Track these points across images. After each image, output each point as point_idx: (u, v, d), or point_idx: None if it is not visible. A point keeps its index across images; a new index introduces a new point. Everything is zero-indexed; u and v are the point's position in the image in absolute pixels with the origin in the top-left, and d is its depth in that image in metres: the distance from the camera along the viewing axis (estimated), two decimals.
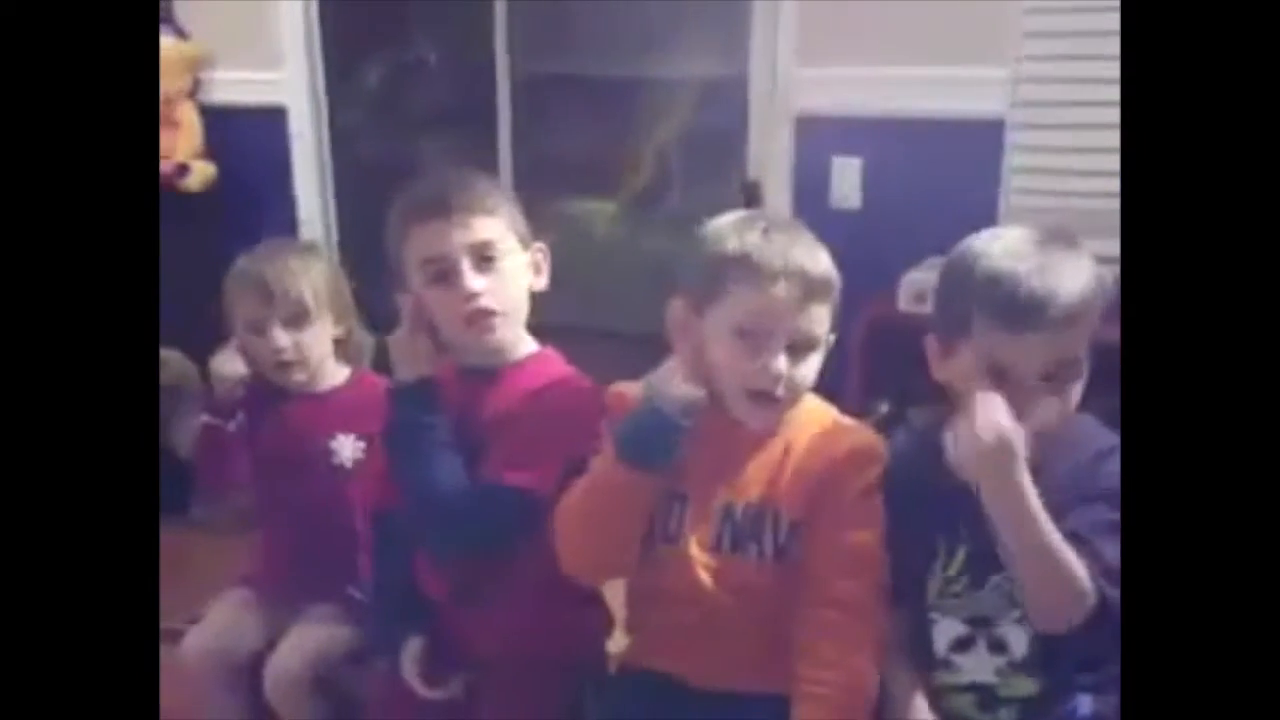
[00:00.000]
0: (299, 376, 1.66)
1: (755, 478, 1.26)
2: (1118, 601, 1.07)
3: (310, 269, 1.66)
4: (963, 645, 1.22)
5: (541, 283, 1.42)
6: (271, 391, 1.69)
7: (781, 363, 1.20)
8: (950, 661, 1.23)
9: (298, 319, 1.63)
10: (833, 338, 1.26)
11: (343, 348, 1.71)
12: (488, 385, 1.40)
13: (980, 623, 1.21)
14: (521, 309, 1.40)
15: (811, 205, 2.41)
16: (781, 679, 1.22)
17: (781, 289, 1.19)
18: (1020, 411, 1.12)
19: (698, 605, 1.27)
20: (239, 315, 1.65)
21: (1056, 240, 1.16)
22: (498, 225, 1.36)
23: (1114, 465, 1.10)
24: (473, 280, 1.33)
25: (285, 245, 1.74)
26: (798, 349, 1.21)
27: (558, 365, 1.43)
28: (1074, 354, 1.13)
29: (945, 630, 1.23)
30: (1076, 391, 1.16)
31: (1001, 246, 1.16)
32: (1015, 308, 1.11)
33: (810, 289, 1.20)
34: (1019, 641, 1.20)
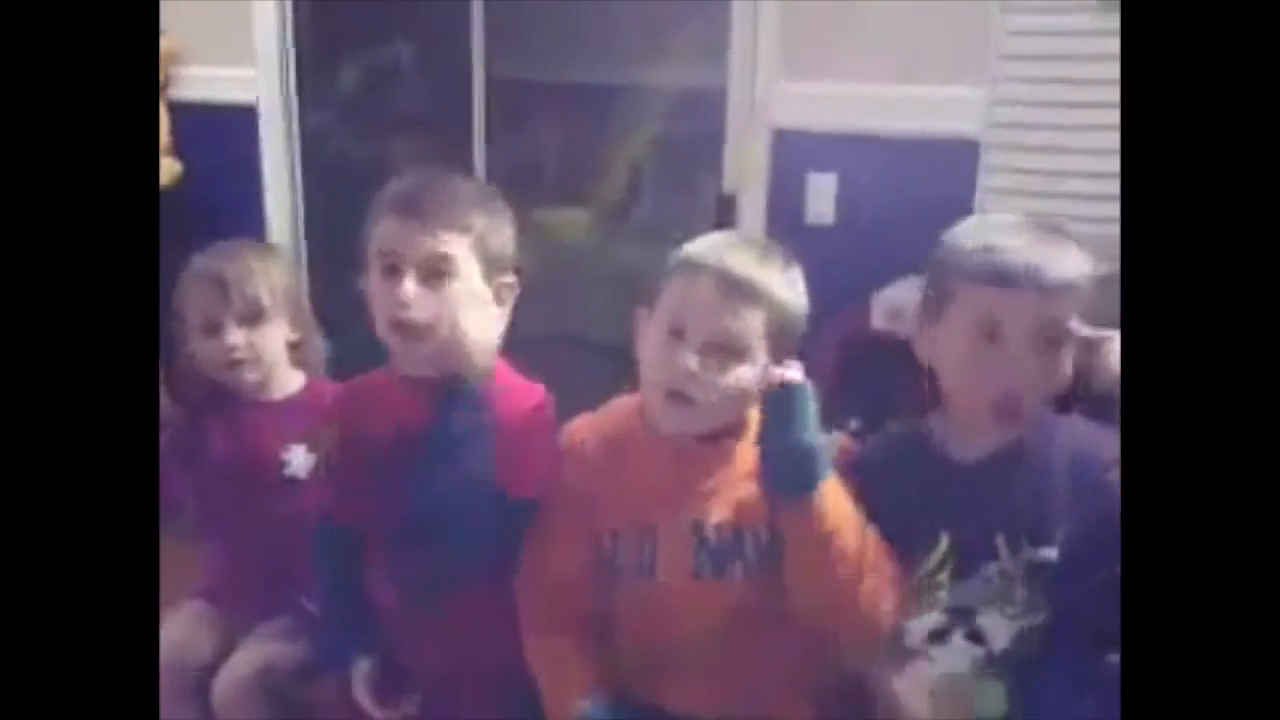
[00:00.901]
0: (251, 376, 1.64)
1: (724, 497, 1.25)
2: None
3: (269, 269, 1.65)
4: (938, 637, 1.21)
5: (498, 313, 1.36)
6: (224, 399, 1.66)
7: (692, 360, 1.19)
8: (924, 653, 1.21)
9: (253, 317, 1.61)
10: (797, 369, 1.19)
11: (297, 353, 1.68)
12: (431, 401, 1.35)
13: (960, 613, 1.20)
14: (466, 336, 1.32)
15: (786, 220, 2.41)
16: (773, 704, 1.23)
17: (703, 285, 1.20)
18: (1009, 374, 1.15)
19: (681, 633, 1.26)
20: (192, 314, 1.62)
21: (1048, 229, 1.21)
22: (462, 244, 1.32)
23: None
24: (408, 288, 1.30)
25: (243, 245, 1.71)
26: (721, 352, 1.20)
27: (506, 376, 1.39)
28: (1062, 321, 1.15)
29: (922, 623, 1.21)
30: (1065, 364, 1.17)
31: (996, 223, 1.23)
32: (1009, 267, 1.14)
33: (732, 288, 1.19)
34: (1000, 633, 1.19)
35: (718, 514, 1.25)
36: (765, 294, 1.21)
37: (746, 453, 1.24)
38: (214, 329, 1.61)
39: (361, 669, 1.41)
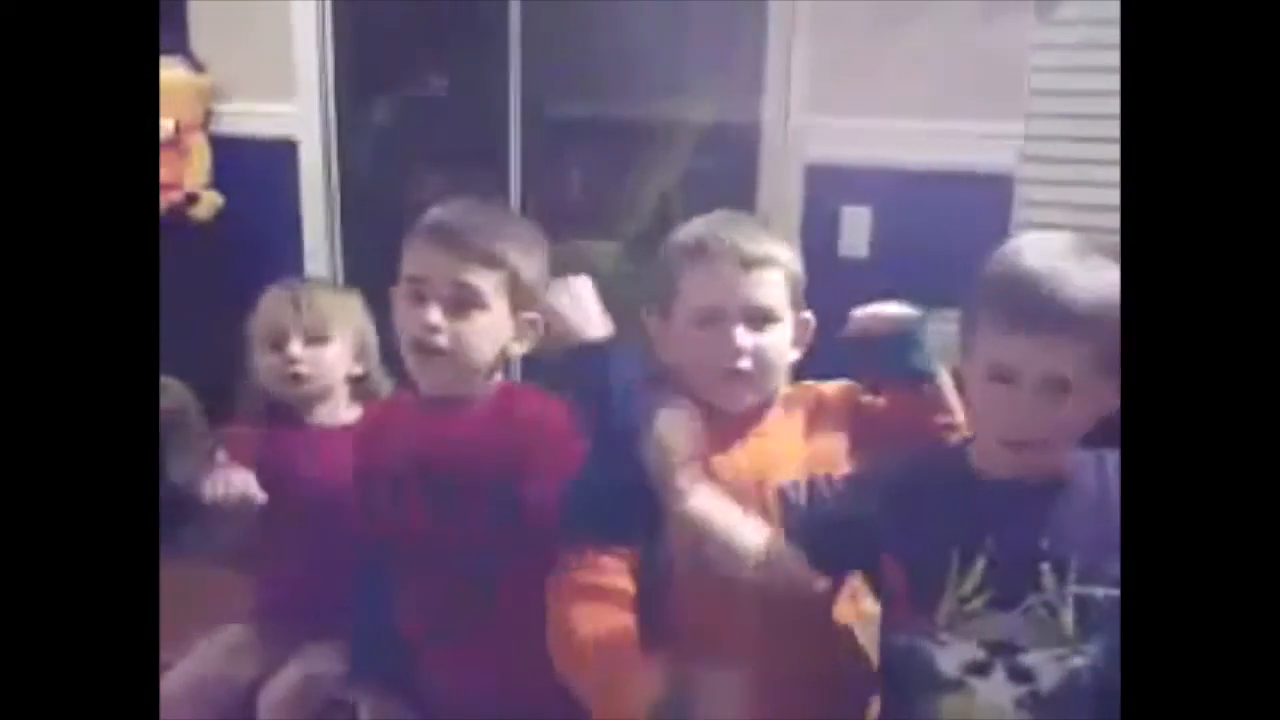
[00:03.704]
0: (307, 390, 1.69)
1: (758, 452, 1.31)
2: None
3: (339, 302, 1.74)
4: (977, 669, 1.15)
5: (520, 349, 1.40)
6: (280, 428, 1.71)
7: (741, 336, 1.26)
8: (964, 682, 1.15)
9: (317, 336, 1.68)
10: (808, 316, 1.33)
11: (360, 388, 1.74)
12: (447, 419, 1.38)
13: (1000, 649, 1.14)
14: (482, 361, 1.37)
15: (819, 253, 2.41)
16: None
17: (722, 264, 1.26)
18: (1022, 419, 1.10)
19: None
20: (262, 329, 1.70)
21: (1089, 248, 1.11)
22: (492, 278, 1.34)
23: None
24: (435, 314, 1.32)
25: (318, 280, 1.94)
26: (754, 320, 1.26)
27: (524, 395, 1.41)
28: (1071, 366, 1.07)
29: (956, 653, 1.15)
30: (1079, 411, 1.10)
31: (1026, 247, 1.13)
32: (1020, 306, 1.08)
33: (747, 259, 1.26)
34: (1050, 675, 1.12)
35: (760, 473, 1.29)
36: (777, 259, 1.29)
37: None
38: (280, 342, 1.68)
39: (365, 709, 1.45)
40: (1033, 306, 1.07)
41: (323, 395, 1.72)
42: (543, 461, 1.28)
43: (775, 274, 1.28)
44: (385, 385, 1.76)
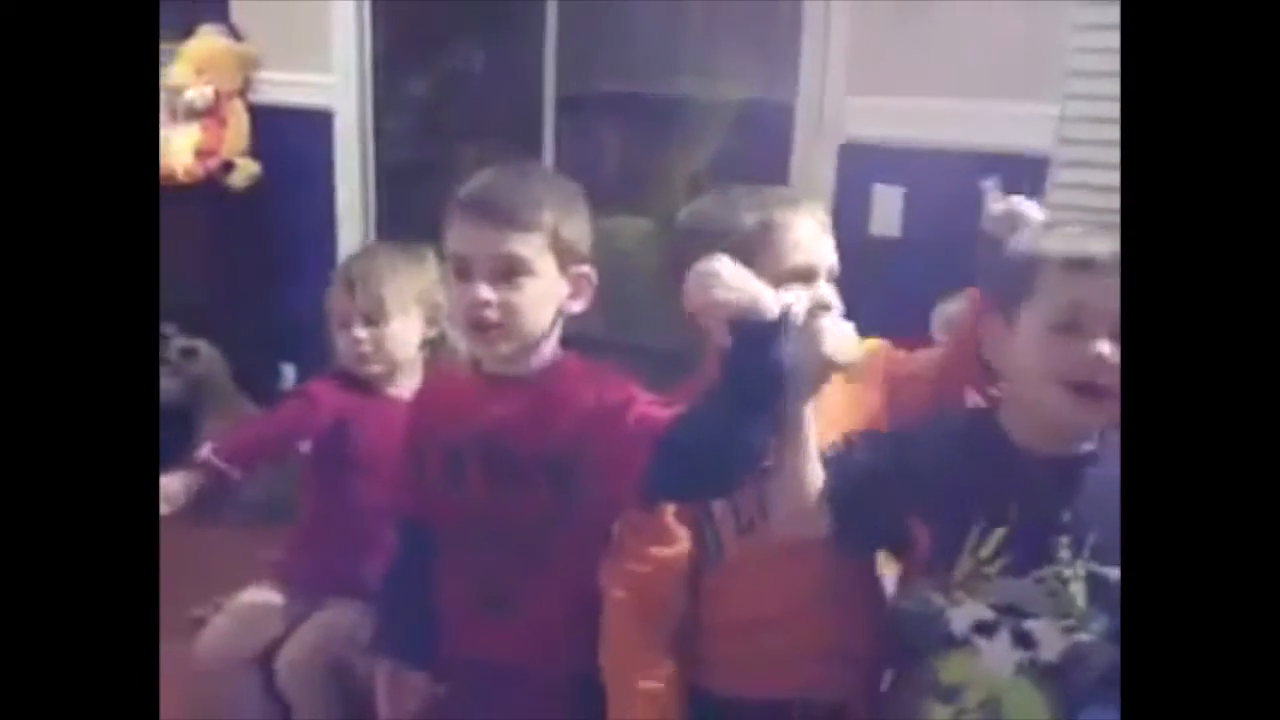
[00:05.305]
0: (375, 369, 1.74)
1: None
2: None
3: (400, 270, 1.75)
4: (984, 630, 1.18)
5: (577, 306, 1.38)
6: (353, 392, 1.76)
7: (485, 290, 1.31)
8: (970, 642, 1.18)
9: (376, 316, 1.73)
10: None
11: (435, 349, 1.78)
12: (509, 393, 1.38)
13: (1008, 611, 1.17)
14: (537, 329, 1.35)
15: (851, 232, 2.41)
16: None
17: (804, 225, 1.36)
18: (1091, 363, 1.11)
19: (782, 594, 1.31)
20: (332, 311, 1.75)
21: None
22: (534, 242, 1.32)
23: None
24: (484, 289, 1.31)
25: (381, 246, 1.93)
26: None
27: (586, 370, 1.39)
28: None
29: (968, 613, 1.19)
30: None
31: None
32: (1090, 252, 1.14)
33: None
34: (1051, 642, 1.16)
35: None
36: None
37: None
38: (344, 325, 1.74)
39: (384, 669, 1.47)
40: (1089, 251, 1.14)
41: (393, 372, 1.75)
42: (604, 440, 1.28)
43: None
44: (462, 345, 1.70)
